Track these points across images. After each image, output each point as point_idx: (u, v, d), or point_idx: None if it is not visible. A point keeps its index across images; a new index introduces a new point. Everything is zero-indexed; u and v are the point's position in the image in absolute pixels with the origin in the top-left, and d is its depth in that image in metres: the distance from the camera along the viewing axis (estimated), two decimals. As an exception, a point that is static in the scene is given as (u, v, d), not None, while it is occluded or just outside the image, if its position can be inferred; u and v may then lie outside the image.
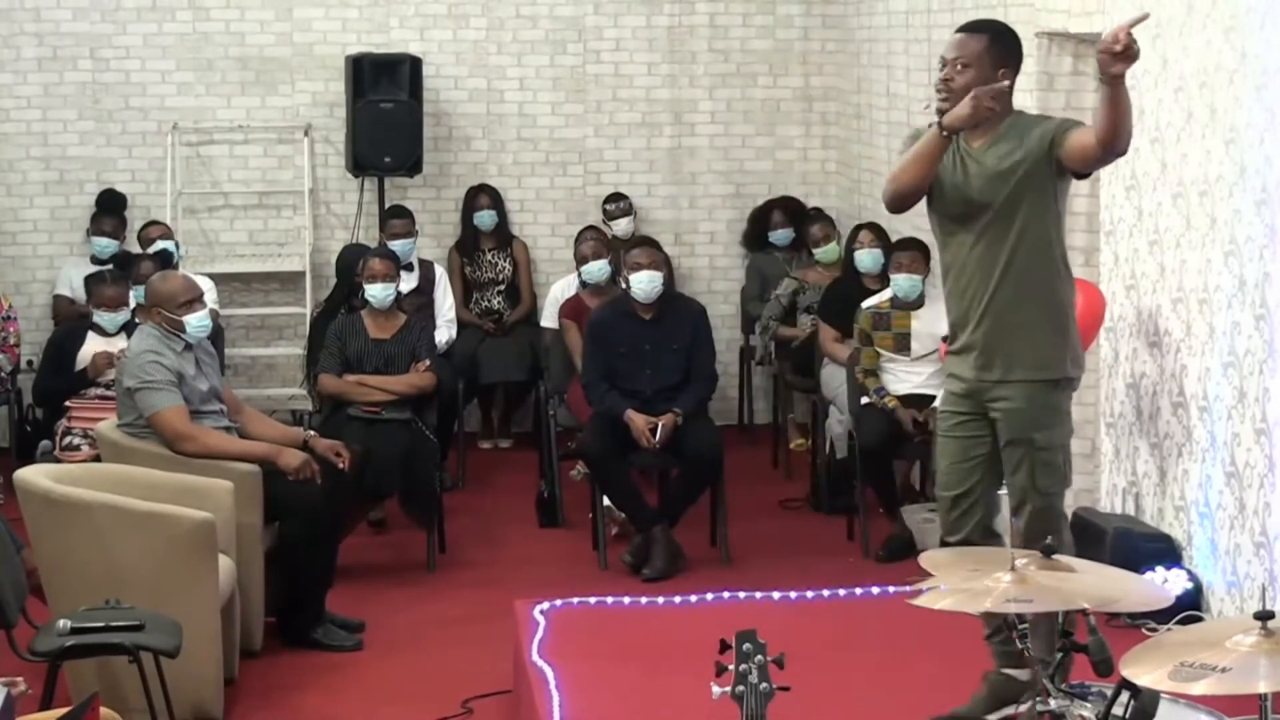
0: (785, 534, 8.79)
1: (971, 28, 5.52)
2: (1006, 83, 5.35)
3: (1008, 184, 5.34)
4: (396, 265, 8.80)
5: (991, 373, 5.44)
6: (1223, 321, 6.35)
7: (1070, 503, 7.41)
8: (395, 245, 9.48)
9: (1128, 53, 4.82)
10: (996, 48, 5.39)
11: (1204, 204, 6.48)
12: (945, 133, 5.32)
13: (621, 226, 10.53)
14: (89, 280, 9.07)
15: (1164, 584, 6.26)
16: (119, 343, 8.25)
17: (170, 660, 5.75)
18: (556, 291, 9.99)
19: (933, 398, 8.24)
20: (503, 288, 10.65)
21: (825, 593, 6.97)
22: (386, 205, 10.44)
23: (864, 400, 8.40)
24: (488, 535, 8.80)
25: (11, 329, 9.33)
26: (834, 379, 8.93)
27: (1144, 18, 4.93)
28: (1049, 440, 5.38)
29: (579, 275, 9.38)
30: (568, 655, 6.21)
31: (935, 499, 8.70)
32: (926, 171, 5.41)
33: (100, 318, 8.66)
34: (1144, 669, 3.83)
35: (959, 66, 5.39)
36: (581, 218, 10.84)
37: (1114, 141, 5.07)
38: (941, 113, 5.36)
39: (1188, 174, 6.60)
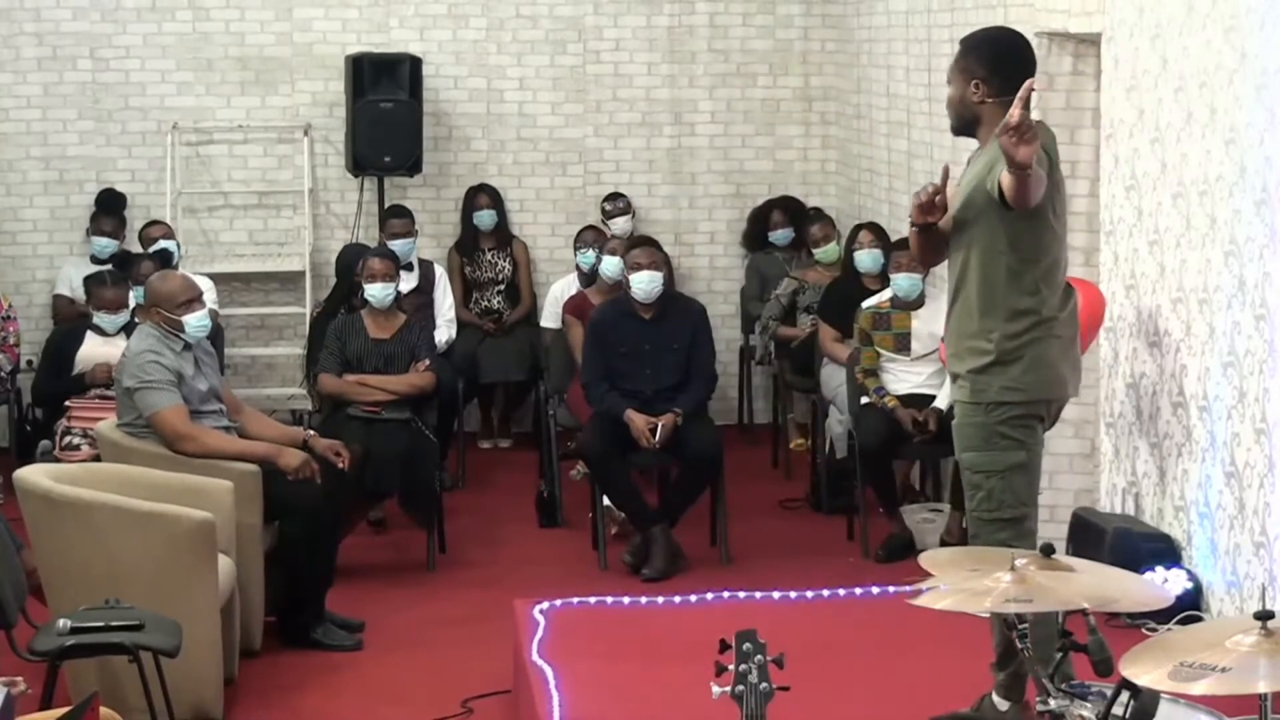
0: (785, 534, 8.78)
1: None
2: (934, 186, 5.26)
3: (963, 203, 5.31)
4: (396, 265, 8.80)
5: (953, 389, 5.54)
6: (1223, 321, 6.35)
7: (1070, 503, 7.47)
8: (395, 245, 9.48)
9: (1023, 130, 4.80)
10: (963, 60, 5.33)
11: (1204, 204, 6.47)
12: (914, 226, 5.37)
13: (619, 226, 10.52)
14: (88, 281, 9.07)
15: (1164, 584, 6.26)
16: (119, 343, 8.24)
17: (170, 660, 5.75)
18: (557, 291, 10.00)
19: (932, 397, 8.25)
20: (502, 287, 10.65)
21: (825, 593, 6.96)
22: (386, 205, 10.45)
23: (864, 400, 8.39)
24: (488, 535, 8.80)
25: (11, 329, 9.33)
26: (834, 379, 8.93)
27: (1031, 88, 4.94)
28: (973, 462, 5.31)
29: (596, 267, 9.36)
30: (568, 655, 6.21)
31: (934, 498, 8.77)
32: (922, 257, 5.65)
33: (100, 319, 8.66)
34: (1144, 669, 3.83)
35: (947, 81, 5.42)
36: (581, 218, 10.84)
37: (1020, 206, 5.08)
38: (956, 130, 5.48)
39: (1188, 174, 6.59)
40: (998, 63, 5.30)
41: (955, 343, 5.41)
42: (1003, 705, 5.47)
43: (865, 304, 8.57)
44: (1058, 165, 5.30)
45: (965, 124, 5.39)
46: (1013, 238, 5.20)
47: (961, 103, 5.34)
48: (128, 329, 8.44)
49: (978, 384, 5.28)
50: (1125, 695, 4.07)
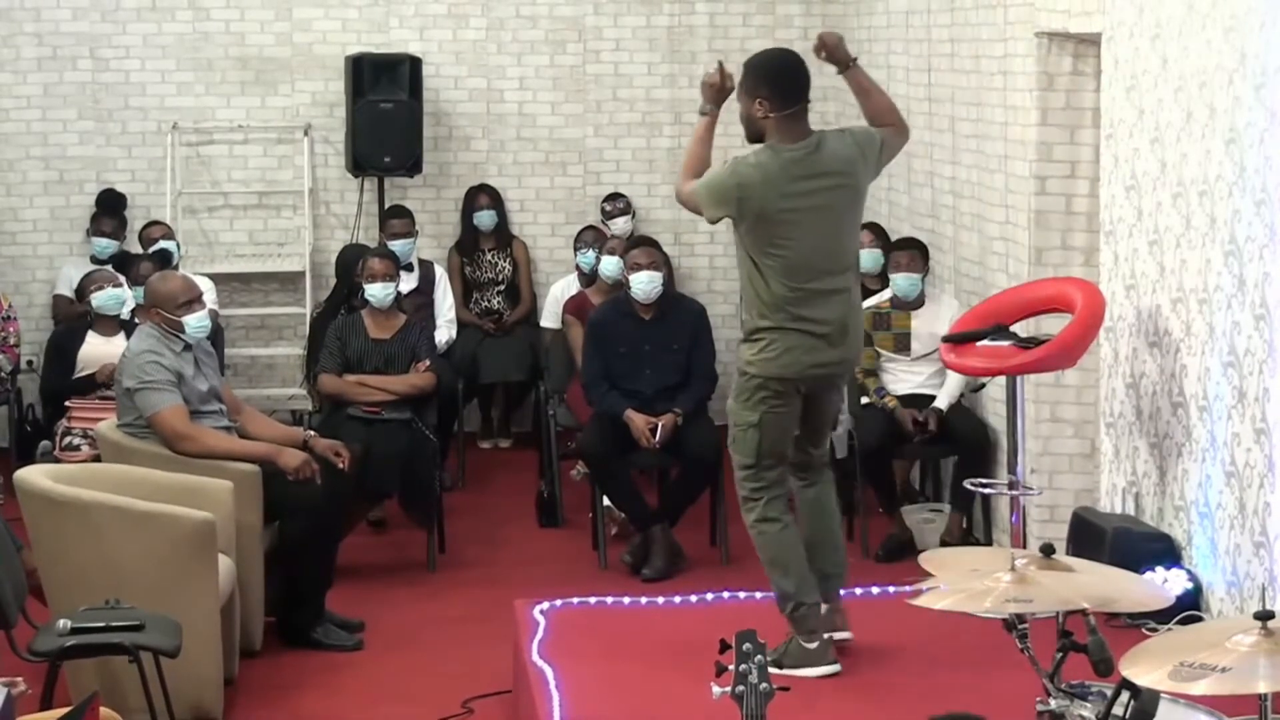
0: (785, 534, 8.76)
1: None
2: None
3: None
4: (396, 265, 8.81)
5: None
6: (1223, 321, 6.35)
7: (1070, 503, 7.47)
8: (395, 245, 9.48)
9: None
10: (746, 80, 6.05)
11: (1204, 204, 6.47)
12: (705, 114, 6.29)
13: (619, 226, 10.53)
14: (83, 280, 9.08)
15: (1164, 584, 6.26)
16: (119, 342, 8.25)
17: (170, 660, 5.76)
18: (557, 291, 10.00)
19: (932, 397, 8.26)
20: (502, 288, 10.65)
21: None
22: (386, 205, 10.45)
23: (864, 400, 8.40)
24: (488, 535, 8.81)
25: (11, 329, 9.34)
26: (834, 379, 8.93)
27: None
28: (728, 410, 6.17)
29: (596, 267, 9.36)
30: (568, 655, 6.21)
31: (934, 498, 8.77)
32: (701, 163, 6.34)
33: (96, 298, 8.64)
34: (1144, 669, 3.84)
35: (737, 98, 6.11)
36: (581, 218, 10.84)
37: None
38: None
39: (1188, 174, 6.59)
40: (776, 83, 5.99)
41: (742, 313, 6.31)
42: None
43: (865, 304, 8.56)
44: (758, 198, 5.96)
45: (755, 136, 6.09)
46: (739, 238, 6.06)
47: (749, 118, 6.05)
48: (127, 327, 8.46)
49: (740, 348, 6.14)
50: (1125, 695, 4.07)
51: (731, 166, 6.06)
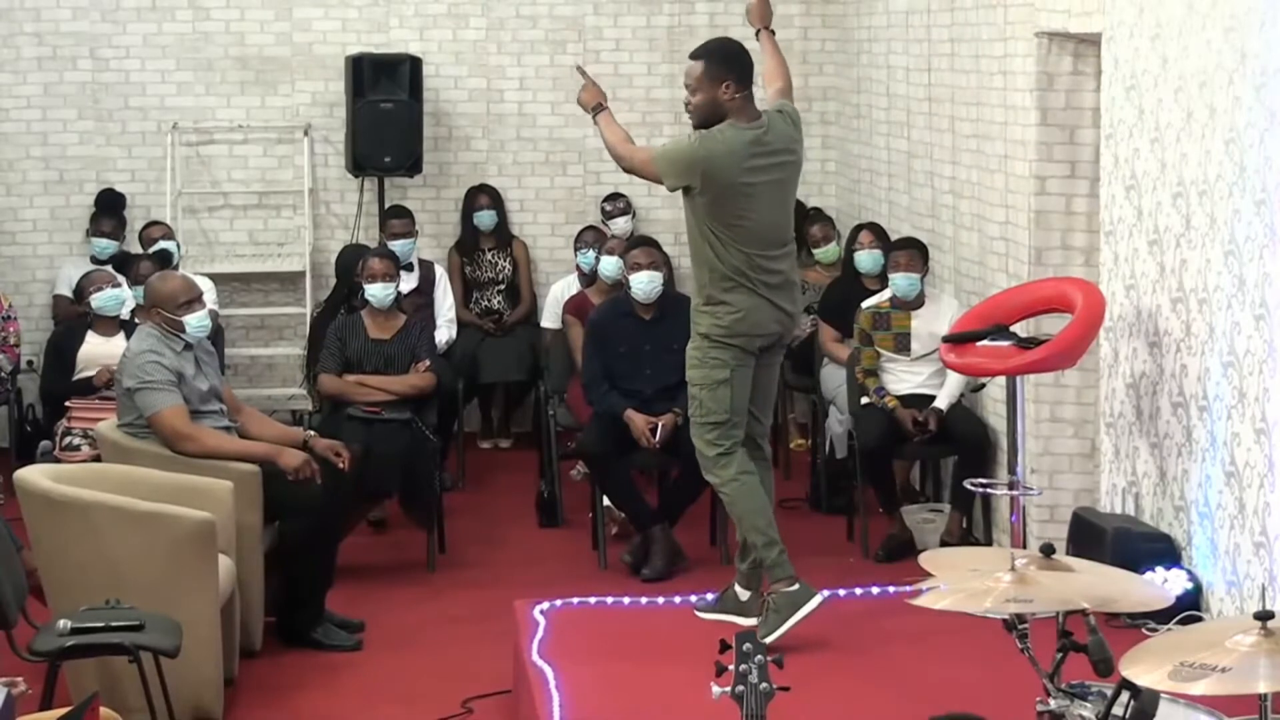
0: (785, 534, 8.66)
1: (694, 54, 6.57)
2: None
3: None
4: (396, 265, 8.81)
5: None
6: (1223, 321, 6.35)
7: (1070, 503, 7.47)
8: (395, 245, 9.49)
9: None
10: (711, 68, 6.45)
11: (1204, 204, 6.47)
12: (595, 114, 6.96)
13: (619, 226, 10.53)
14: (81, 281, 9.10)
15: (1164, 584, 6.26)
16: (118, 342, 8.25)
17: (170, 660, 5.76)
18: (557, 291, 10.00)
19: (932, 397, 8.25)
20: (503, 287, 10.65)
21: (825, 593, 6.96)
22: (386, 205, 10.45)
23: (864, 400, 8.40)
24: (488, 535, 8.80)
25: (11, 329, 9.34)
26: (834, 379, 8.94)
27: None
28: (691, 378, 6.58)
29: (595, 267, 9.36)
30: (568, 655, 6.21)
31: (934, 498, 8.77)
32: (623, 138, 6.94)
33: (96, 299, 8.65)
34: (1144, 669, 3.84)
35: (690, 90, 6.52)
36: (581, 218, 10.84)
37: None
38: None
39: (1188, 174, 6.60)
40: (739, 65, 6.45)
41: (694, 284, 6.60)
42: (744, 595, 6.66)
43: (865, 304, 8.58)
44: (722, 172, 6.36)
45: (713, 121, 6.43)
46: (696, 214, 6.45)
47: (714, 103, 6.42)
48: (127, 327, 8.46)
49: (698, 318, 6.53)
50: (1125, 695, 4.07)
51: (699, 140, 6.43)
